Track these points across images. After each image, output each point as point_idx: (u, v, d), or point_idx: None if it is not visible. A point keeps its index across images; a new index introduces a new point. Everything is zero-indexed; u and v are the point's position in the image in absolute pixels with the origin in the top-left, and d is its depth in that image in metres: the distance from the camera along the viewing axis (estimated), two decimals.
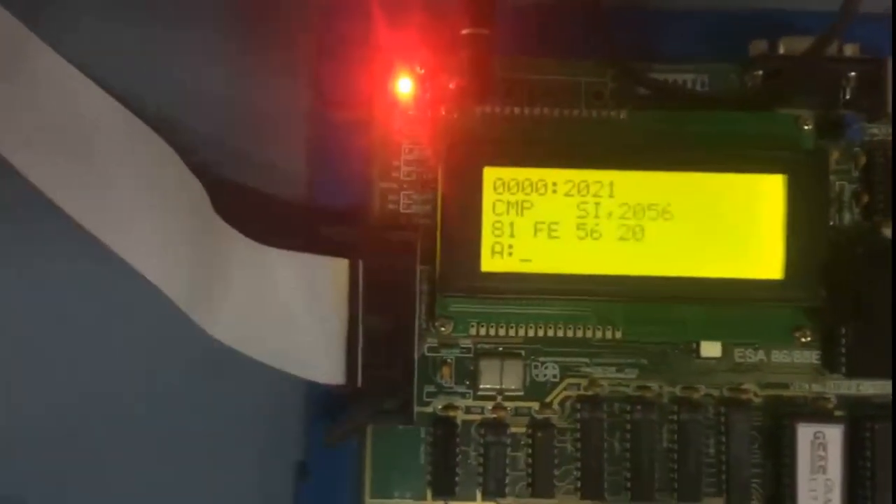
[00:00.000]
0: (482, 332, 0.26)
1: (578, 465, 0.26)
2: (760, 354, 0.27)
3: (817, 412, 0.26)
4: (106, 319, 0.27)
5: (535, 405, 0.26)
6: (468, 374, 0.26)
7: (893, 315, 0.26)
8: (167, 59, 0.28)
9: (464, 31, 0.26)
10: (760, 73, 0.27)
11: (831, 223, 0.27)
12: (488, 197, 0.25)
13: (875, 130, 0.27)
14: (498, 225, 0.25)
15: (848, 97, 0.27)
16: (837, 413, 0.26)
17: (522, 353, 0.26)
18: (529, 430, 0.26)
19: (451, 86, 0.26)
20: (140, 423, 0.27)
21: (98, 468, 0.27)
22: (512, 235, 0.25)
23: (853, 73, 0.27)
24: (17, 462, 0.27)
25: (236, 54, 0.28)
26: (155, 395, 0.27)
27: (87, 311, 0.27)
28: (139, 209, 0.26)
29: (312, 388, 0.26)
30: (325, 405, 0.26)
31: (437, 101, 0.26)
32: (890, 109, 0.26)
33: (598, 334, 0.26)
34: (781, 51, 0.26)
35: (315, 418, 0.27)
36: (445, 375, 0.26)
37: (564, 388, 0.27)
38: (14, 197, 0.27)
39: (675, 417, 0.26)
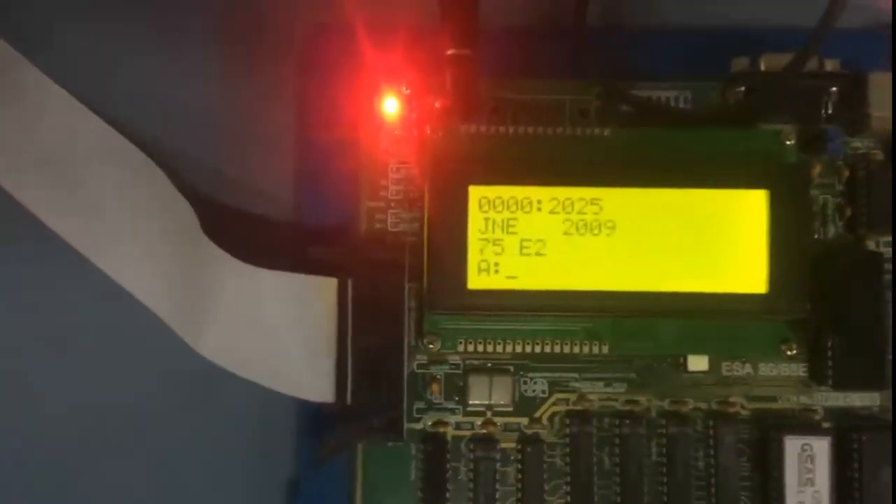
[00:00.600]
0: (470, 348, 0.26)
1: (568, 479, 0.26)
2: (747, 368, 0.27)
3: (804, 424, 0.26)
4: (94, 338, 0.28)
5: (525, 420, 0.27)
6: (457, 391, 0.27)
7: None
8: (154, 83, 0.28)
9: (448, 52, 0.26)
10: (742, 89, 0.27)
11: (816, 237, 0.27)
12: (474, 215, 0.25)
13: (857, 144, 0.27)
14: (484, 243, 0.25)
15: (829, 112, 0.27)
16: (825, 425, 0.27)
17: (511, 368, 0.27)
18: (519, 446, 0.26)
19: (437, 105, 0.26)
20: (130, 442, 0.27)
21: (87, 486, 0.27)
22: (498, 253, 0.25)
23: (834, 88, 0.27)
24: (5, 479, 0.27)
25: (222, 78, 0.28)
26: (145, 413, 0.27)
27: (75, 330, 0.28)
28: (128, 231, 0.26)
29: (303, 405, 0.27)
30: (315, 422, 0.27)
31: (422, 120, 0.26)
32: (871, 123, 0.27)
33: (586, 349, 0.26)
34: (762, 67, 0.27)
35: (306, 436, 0.27)
36: (435, 392, 0.27)
37: (553, 404, 0.27)
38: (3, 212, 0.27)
39: (663, 431, 0.26)
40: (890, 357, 0.26)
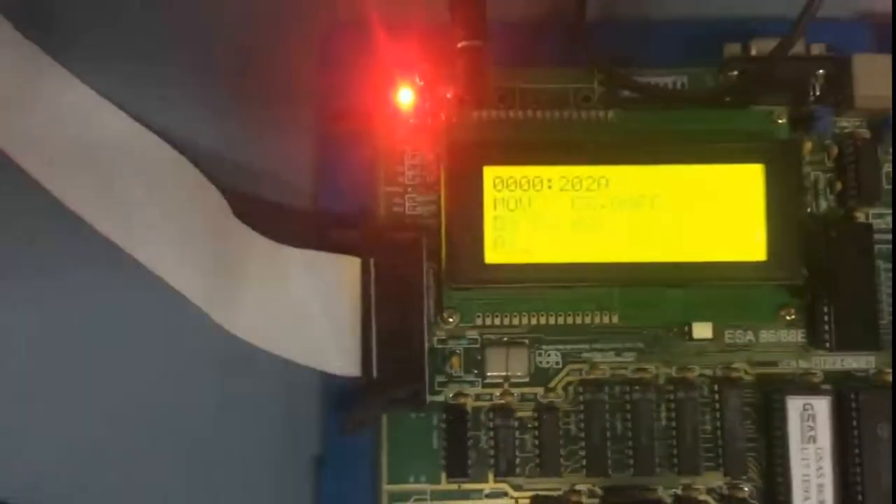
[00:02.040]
0: (488, 322, 0.27)
1: (583, 444, 0.28)
2: (749, 335, 0.28)
3: (805, 386, 0.28)
4: (121, 320, 0.29)
5: (540, 390, 0.28)
6: (476, 364, 0.28)
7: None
8: (181, 81, 0.30)
9: (459, 44, 0.27)
10: (735, 73, 0.29)
11: (809, 210, 0.29)
12: (489, 194, 0.27)
13: (844, 123, 0.29)
14: (499, 220, 0.27)
15: (818, 93, 0.29)
16: (824, 387, 0.28)
17: (527, 341, 0.28)
18: (536, 414, 0.28)
19: (449, 95, 0.28)
20: (158, 418, 0.28)
21: (115, 465, 0.28)
22: (512, 229, 0.27)
23: (821, 71, 0.29)
24: (33, 459, 0.28)
25: (246, 74, 0.30)
26: (172, 394, 0.28)
27: (102, 313, 0.29)
28: (159, 220, 0.28)
29: (327, 381, 0.28)
30: (339, 397, 0.28)
31: (436, 109, 0.28)
32: (856, 102, 0.28)
33: (597, 320, 0.27)
34: (753, 52, 0.29)
35: (330, 410, 0.28)
36: (455, 365, 0.28)
37: (567, 374, 0.28)
38: (22, 203, 0.28)
39: (671, 397, 0.28)
40: (883, 321, 0.28)
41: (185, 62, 0.30)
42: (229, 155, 0.30)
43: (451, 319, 0.28)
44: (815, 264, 0.28)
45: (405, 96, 0.28)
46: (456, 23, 0.28)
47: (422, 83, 0.28)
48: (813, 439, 0.27)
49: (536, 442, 0.28)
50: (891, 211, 0.29)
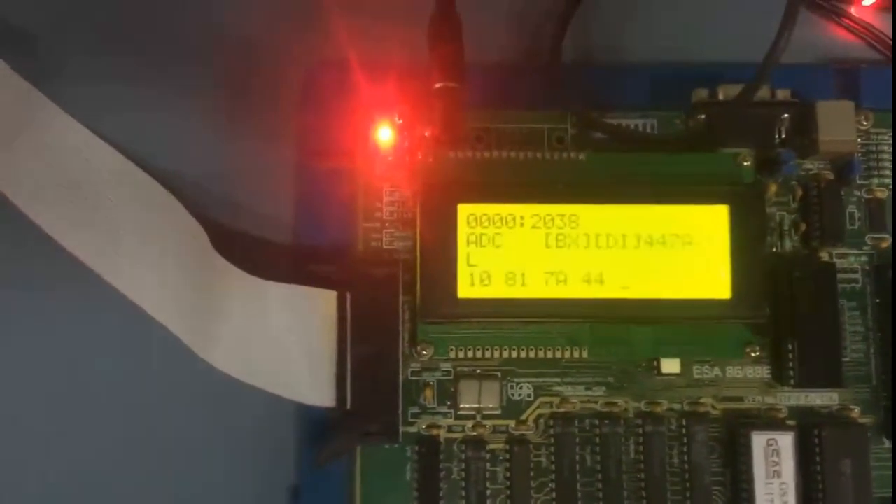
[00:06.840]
0: (461, 355, 0.28)
1: (553, 477, 0.28)
2: (716, 371, 0.29)
3: (770, 421, 0.29)
4: (97, 351, 0.29)
5: (512, 423, 0.29)
6: (449, 396, 0.29)
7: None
8: (167, 118, 0.30)
9: (437, 85, 0.28)
10: (702, 117, 0.30)
11: (774, 250, 0.30)
12: (462, 231, 0.28)
13: (809, 165, 0.30)
14: (472, 256, 0.28)
15: (783, 136, 0.30)
16: (788, 422, 0.29)
17: (499, 374, 0.29)
18: (507, 446, 0.28)
19: (427, 134, 0.29)
20: (134, 448, 0.29)
21: (90, 495, 0.29)
22: (485, 265, 0.28)
23: (786, 116, 0.30)
24: (9, 488, 0.29)
25: (230, 112, 0.31)
26: (148, 424, 0.29)
27: (79, 345, 0.29)
28: (142, 251, 0.28)
29: (303, 412, 0.28)
30: (315, 428, 0.28)
31: (414, 147, 0.29)
32: (820, 146, 0.29)
33: (567, 354, 0.28)
34: (721, 97, 0.30)
35: (306, 441, 0.28)
36: (428, 397, 0.29)
37: (538, 407, 0.29)
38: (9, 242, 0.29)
39: (640, 431, 0.28)
40: (846, 358, 0.29)
41: (169, 98, 0.31)
42: (212, 189, 0.30)
43: (424, 352, 0.28)
44: (780, 303, 0.29)
45: (384, 134, 0.29)
46: (434, 65, 0.29)
47: (401, 122, 0.29)
48: (777, 474, 0.28)
49: (507, 474, 0.28)
50: (854, 250, 0.30)
